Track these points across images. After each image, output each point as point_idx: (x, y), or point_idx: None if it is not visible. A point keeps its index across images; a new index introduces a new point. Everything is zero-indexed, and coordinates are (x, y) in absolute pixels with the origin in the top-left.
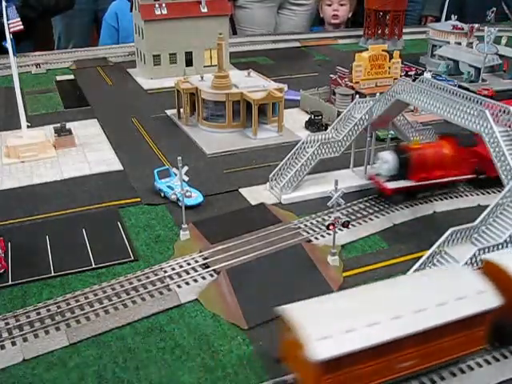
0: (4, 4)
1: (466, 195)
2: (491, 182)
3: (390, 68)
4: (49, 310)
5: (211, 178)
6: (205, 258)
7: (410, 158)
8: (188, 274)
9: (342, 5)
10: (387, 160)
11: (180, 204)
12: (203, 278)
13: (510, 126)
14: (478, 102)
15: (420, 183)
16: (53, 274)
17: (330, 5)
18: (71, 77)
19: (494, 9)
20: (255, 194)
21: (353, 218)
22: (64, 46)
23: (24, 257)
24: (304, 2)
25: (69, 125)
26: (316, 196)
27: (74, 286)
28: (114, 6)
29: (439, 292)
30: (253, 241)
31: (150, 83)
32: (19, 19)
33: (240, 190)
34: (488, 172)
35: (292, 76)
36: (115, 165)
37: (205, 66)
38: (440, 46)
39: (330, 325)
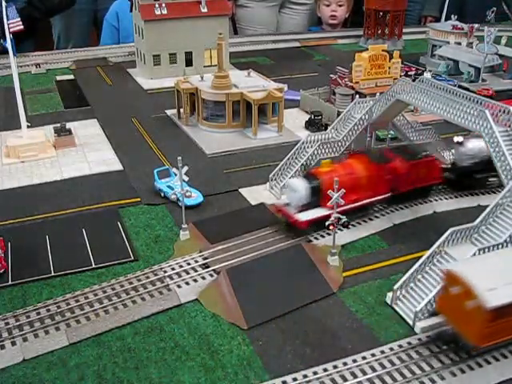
0: (4, 4)
1: (466, 195)
2: (404, 197)
3: (389, 68)
4: (49, 310)
5: (211, 178)
6: (205, 258)
7: (322, 185)
8: (188, 274)
9: (340, 5)
10: (297, 188)
11: (180, 204)
12: (203, 278)
13: (509, 126)
14: (477, 102)
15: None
16: (53, 273)
17: (328, 5)
18: (71, 77)
19: (494, 8)
20: (255, 194)
21: (353, 217)
22: (63, 46)
23: (24, 257)
24: (305, 2)
25: (69, 125)
26: None
27: (73, 286)
28: (115, 5)
29: None
30: (253, 241)
31: (150, 83)
32: (19, 19)
33: (240, 189)
34: (400, 188)
35: (292, 76)
36: (115, 165)
37: (205, 66)
38: (440, 46)
39: (496, 278)
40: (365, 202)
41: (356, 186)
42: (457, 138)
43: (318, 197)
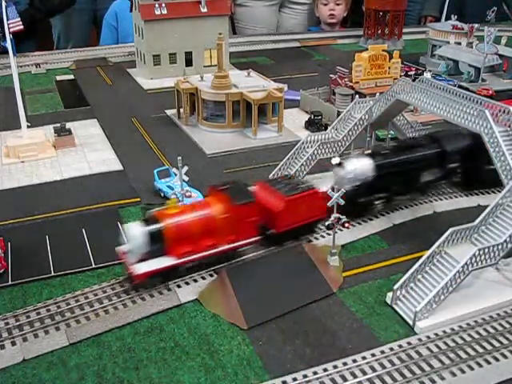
0: (4, 4)
1: (466, 195)
2: (281, 238)
3: (389, 68)
4: (49, 310)
5: (211, 178)
6: None
7: (164, 230)
8: (188, 273)
9: (338, 4)
10: (134, 235)
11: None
12: (203, 278)
13: (509, 126)
14: (477, 102)
15: (185, 259)
16: (53, 273)
17: (326, 4)
18: (71, 77)
19: (495, 8)
20: None
21: (353, 218)
22: (63, 45)
23: (24, 257)
24: (305, 1)
25: (69, 125)
26: None
27: (73, 286)
28: (115, 5)
29: None
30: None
31: (150, 83)
32: (19, 19)
33: None
34: (275, 228)
35: (292, 76)
36: (115, 165)
37: (205, 66)
38: (440, 46)
39: None
40: (223, 248)
41: (211, 230)
42: (334, 160)
43: (160, 244)
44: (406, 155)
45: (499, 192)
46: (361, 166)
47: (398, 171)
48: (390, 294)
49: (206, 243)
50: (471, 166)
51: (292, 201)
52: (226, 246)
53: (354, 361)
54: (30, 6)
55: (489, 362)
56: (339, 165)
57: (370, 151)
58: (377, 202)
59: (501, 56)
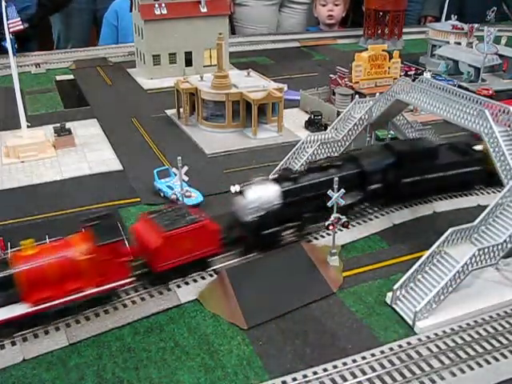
0: (4, 4)
1: (466, 195)
2: (164, 277)
3: (389, 68)
4: None
5: (211, 178)
6: None
7: (14, 276)
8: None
9: (336, 5)
10: None
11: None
12: (203, 278)
13: (509, 126)
14: (477, 101)
15: (43, 306)
16: None
17: (324, 5)
18: (71, 77)
19: (495, 8)
20: None
21: (353, 218)
22: (63, 46)
23: None
24: (305, 1)
25: (68, 125)
26: None
27: None
28: (115, 4)
29: None
30: None
31: (150, 83)
32: (19, 19)
33: None
34: (154, 266)
35: (292, 76)
36: (115, 165)
37: (204, 66)
38: (440, 46)
39: None
40: (91, 291)
41: (72, 273)
42: (234, 188)
43: (12, 290)
44: (319, 178)
45: (499, 192)
46: (265, 194)
47: (309, 197)
48: (389, 294)
49: (69, 287)
50: (390, 181)
51: (171, 236)
52: (95, 289)
53: (354, 361)
54: (39, 6)
55: (489, 362)
56: (240, 193)
57: (276, 175)
58: (287, 233)
59: (501, 56)
